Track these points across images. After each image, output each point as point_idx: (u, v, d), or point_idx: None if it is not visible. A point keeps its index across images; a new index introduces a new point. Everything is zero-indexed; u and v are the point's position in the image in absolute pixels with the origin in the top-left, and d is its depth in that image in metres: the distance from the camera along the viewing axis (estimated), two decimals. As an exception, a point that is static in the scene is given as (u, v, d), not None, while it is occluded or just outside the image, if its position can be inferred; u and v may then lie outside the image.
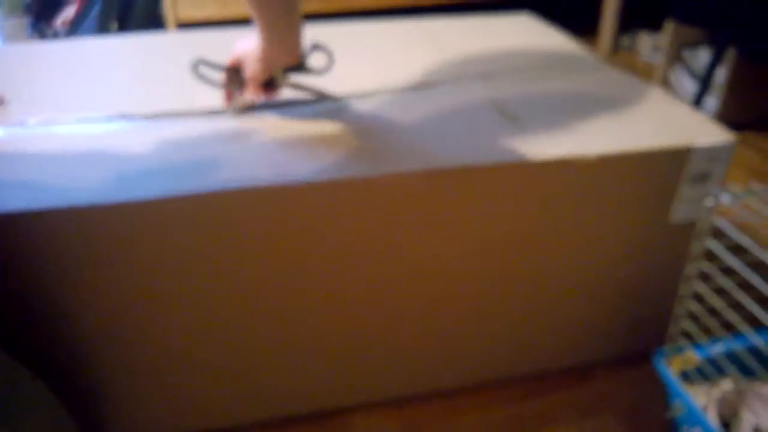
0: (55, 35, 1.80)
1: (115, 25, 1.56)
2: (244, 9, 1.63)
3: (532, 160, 0.57)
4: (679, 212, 0.65)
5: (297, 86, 0.67)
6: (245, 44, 0.64)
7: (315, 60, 0.66)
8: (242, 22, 0.99)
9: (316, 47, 0.65)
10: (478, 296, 0.65)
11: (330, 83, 0.72)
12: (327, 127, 0.63)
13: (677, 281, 0.69)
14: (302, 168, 0.54)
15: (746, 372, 0.63)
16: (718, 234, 0.58)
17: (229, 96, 0.67)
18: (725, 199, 0.57)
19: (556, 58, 0.82)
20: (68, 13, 1.84)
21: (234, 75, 0.66)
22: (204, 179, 0.52)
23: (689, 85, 1.36)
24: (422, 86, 0.72)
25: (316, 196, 0.54)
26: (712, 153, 0.63)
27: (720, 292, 0.59)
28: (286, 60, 0.63)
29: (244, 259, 0.55)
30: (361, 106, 0.67)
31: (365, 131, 0.62)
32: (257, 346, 0.61)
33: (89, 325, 0.54)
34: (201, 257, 0.54)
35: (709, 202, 0.58)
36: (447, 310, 0.65)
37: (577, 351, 0.73)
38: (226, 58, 0.66)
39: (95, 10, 1.61)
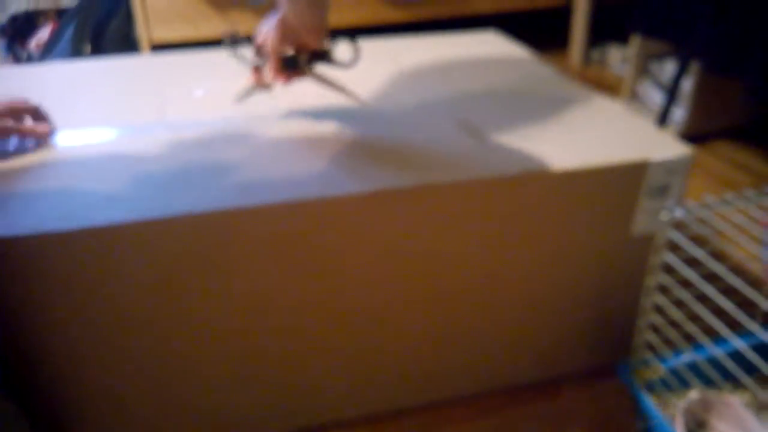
0: (29, 57, 1.79)
1: (88, 47, 1.56)
2: (215, 31, 1.64)
3: (494, 176, 0.58)
4: (639, 225, 0.67)
5: (320, 78, 0.65)
6: (268, 24, 0.63)
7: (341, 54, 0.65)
8: (214, 43, 1.00)
9: (343, 38, 0.64)
10: (445, 314, 0.65)
11: (295, 102, 0.73)
12: (301, 143, 0.63)
13: (639, 294, 0.70)
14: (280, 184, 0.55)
15: (709, 382, 0.64)
16: (674, 247, 0.59)
17: (257, 76, 0.66)
18: (679, 212, 0.58)
19: (520, 74, 0.84)
20: (42, 35, 1.84)
21: (261, 54, 0.64)
22: (189, 200, 0.52)
23: (657, 97, 1.39)
24: (388, 105, 0.73)
25: (292, 215, 0.54)
26: (670, 166, 0.64)
27: (679, 304, 0.60)
28: (307, 38, 0.61)
29: (233, 278, 0.55)
30: (326, 125, 0.68)
31: (328, 148, 0.62)
32: (251, 362, 0.61)
33: (79, 349, 0.54)
34: (195, 277, 0.54)
35: (664, 215, 0.59)
36: (414, 328, 0.65)
37: (546, 365, 0.74)
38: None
39: (68, 33, 1.61)
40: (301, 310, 0.59)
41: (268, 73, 0.64)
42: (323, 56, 0.63)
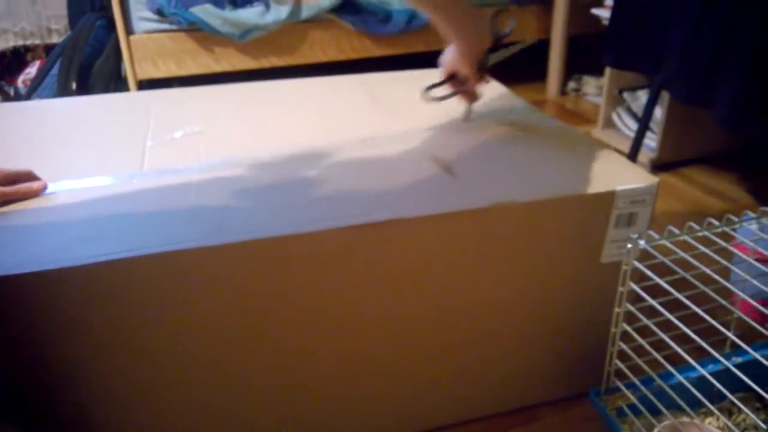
0: (17, 93, 1.81)
1: (74, 84, 1.58)
2: (198, 67, 1.67)
3: (464, 209, 0.60)
4: (608, 254, 0.68)
5: (500, 57, 0.80)
6: (446, 55, 0.76)
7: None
8: (197, 78, 1.02)
9: (494, 16, 0.76)
10: (420, 345, 0.66)
11: (272, 138, 0.75)
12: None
13: (609, 321, 0.71)
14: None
15: (679, 408, 0.64)
16: (642, 276, 0.61)
17: (465, 97, 0.80)
18: (641, 242, 0.60)
19: (494, 107, 0.87)
20: (30, 71, 1.87)
21: (455, 81, 0.78)
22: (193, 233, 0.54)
23: (632, 125, 1.43)
24: (364, 140, 0.75)
25: (258, 253, 0.55)
26: (635, 195, 0.66)
27: (647, 332, 0.61)
28: (483, 45, 0.74)
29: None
30: (302, 162, 0.70)
31: (307, 185, 0.64)
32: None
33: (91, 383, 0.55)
34: (203, 309, 0.55)
35: (629, 245, 0.61)
36: (388, 360, 0.66)
37: (522, 393, 0.74)
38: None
39: (55, 70, 1.64)
40: (277, 348, 0.60)
41: (474, 88, 0.79)
42: (496, 45, 0.76)
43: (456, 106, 0.85)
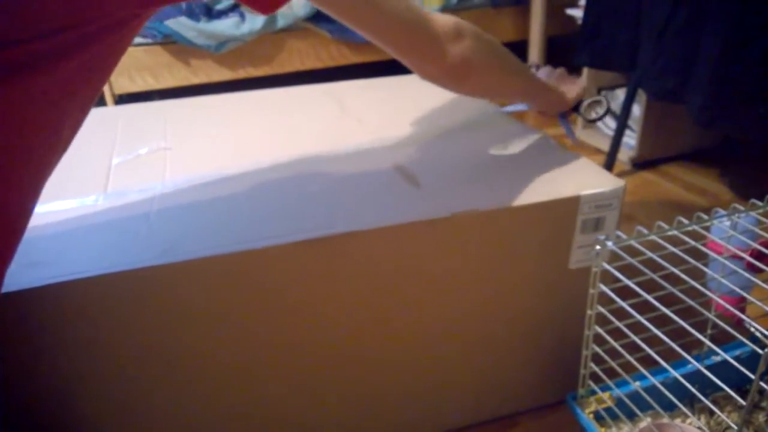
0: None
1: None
2: (174, 80, 1.66)
3: (424, 219, 0.59)
4: (576, 259, 0.67)
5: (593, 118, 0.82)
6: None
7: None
8: (174, 91, 1.01)
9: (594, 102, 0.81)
10: (390, 357, 0.65)
11: (235, 152, 0.74)
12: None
13: (581, 326, 0.70)
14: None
15: (653, 410, 0.64)
16: (612, 278, 0.60)
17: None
18: (609, 244, 0.59)
19: (463, 114, 0.86)
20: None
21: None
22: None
23: (612, 124, 1.43)
24: (328, 152, 0.74)
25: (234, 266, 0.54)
26: (601, 200, 0.65)
27: (620, 334, 0.60)
28: (562, 108, 0.79)
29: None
30: (269, 173, 0.69)
31: (264, 200, 0.63)
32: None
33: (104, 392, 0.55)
34: (214, 317, 0.55)
35: (597, 247, 0.60)
36: (356, 375, 0.65)
37: (500, 401, 0.73)
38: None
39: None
40: (226, 365, 0.59)
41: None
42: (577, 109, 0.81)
43: (431, 114, 0.85)
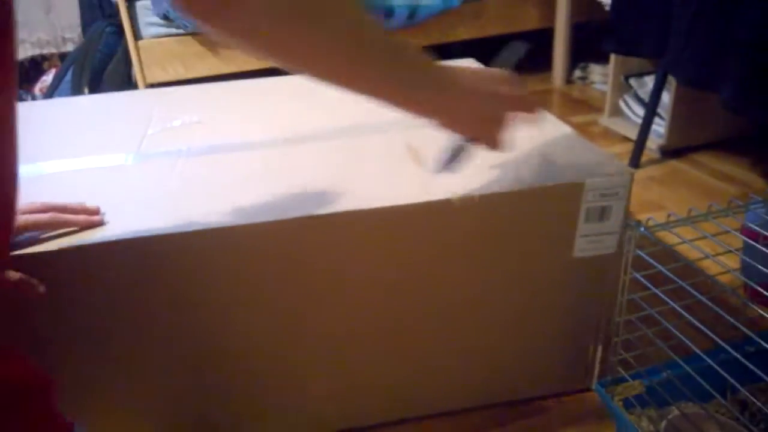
0: (33, 100, 1.85)
1: (86, 89, 1.61)
2: (205, 70, 1.69)
3: (422, 201, 0.58)
4: (580, 249, 0.64)
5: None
6: None
7: None
8: (206, 80, 1.04)
9: None
10: (414, 338, 0.66)
11: (265, 126, 0.77)
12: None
13: (599, 314, 0.69)
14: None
15: (684, 397, 0.63)
16: (641, 264, 0.60)
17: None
18: (640, 230, 0.59)
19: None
20: (47, 79, 1.91)
21: None
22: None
23: (639, 112, 1.41)
24: (344, 129, 0.75)
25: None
26: (607, 188, 0.61)
27: (652, 321, 0.60)
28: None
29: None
30: (266, 153, 0.70)
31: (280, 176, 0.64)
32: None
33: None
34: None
35: (629, 231, 0.60)
36: (392, 349, 0.66)
37: (524, 384, 0.74)
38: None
39: (68, 76, 1.67)
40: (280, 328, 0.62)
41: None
42: None
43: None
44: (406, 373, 0.69)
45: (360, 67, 0.44)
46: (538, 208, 0.62)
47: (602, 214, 0.63)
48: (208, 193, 0.62)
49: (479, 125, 0.52)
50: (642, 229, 0.59)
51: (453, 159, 0.56)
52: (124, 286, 0.57)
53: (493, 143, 0.53)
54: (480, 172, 0.63)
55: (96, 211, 0.58)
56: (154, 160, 0.70)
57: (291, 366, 0.65)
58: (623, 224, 0.64)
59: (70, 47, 1.97)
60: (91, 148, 0.73)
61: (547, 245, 0.64)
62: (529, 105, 0.55)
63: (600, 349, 0.71)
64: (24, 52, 1.96)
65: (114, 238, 0.54)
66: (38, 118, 0.84)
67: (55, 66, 1.97)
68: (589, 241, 0.64)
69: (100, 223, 0.57)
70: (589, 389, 0.71)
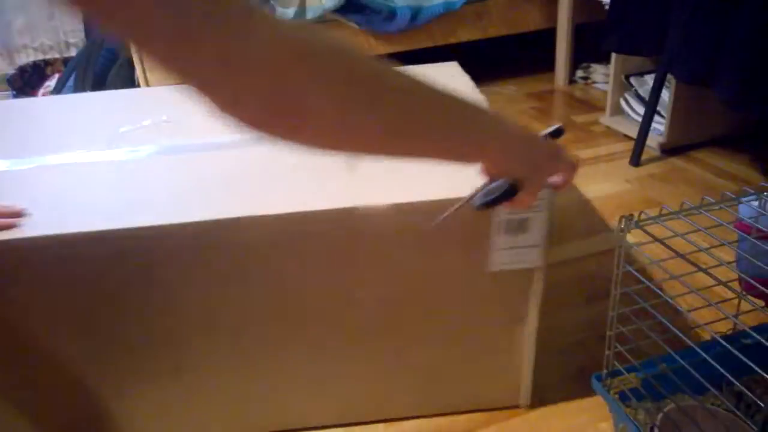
0: (38, 106, 1.88)
1: (88, 92, 1.63)
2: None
3: (328, 208, 0.58)
4: (499, 261, 0.62)
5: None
6: None
7: None
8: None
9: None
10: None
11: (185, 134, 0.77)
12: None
13: (511, 333, 0.67)
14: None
15: (678, 390, 0.63)
16: (634, 259, 0.60)
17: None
18: (632, 225, 0.59)
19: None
20: (50, 84, 1.93)
21: None
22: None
23: (640, 110, 1.41)
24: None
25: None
26: None
27: (646, 315, 0.60)
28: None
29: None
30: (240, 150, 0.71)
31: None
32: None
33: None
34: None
35: (622, 224, 0.60)
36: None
37: (458, 398, 0.73)
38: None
39: (71, 80, 1.69)
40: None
41: None
42: None
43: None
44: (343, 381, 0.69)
45: (425, 138, 0.39)
46: (452, 219, 0.56)
47: (520, 226, 0.61)
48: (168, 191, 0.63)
49: (532, 168, 0.48)
50: (633, 224, 0.59)
51: (495, 202, 0.49)
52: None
53: (537, 188, 0.50)
54: (394, 180, 0.61)
55: (18, 214, 0.60)
56: (121, 157, 0.72)
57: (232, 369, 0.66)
58: (546, 237, 0.61)
59: (73, 52, 1.99)
60: (60, 146, 0.75)
61: (459, 258, 0.62)
62: (573, 170, 0.51)
63: (531, 369, 0.70)
64: (27, 57, 1.98)
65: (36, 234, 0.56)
66: (18, 119, 0.87)
67: (58, 71, 1.99)
68: (509, 254, 0.62)
69: (12, 226, 0.58)
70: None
